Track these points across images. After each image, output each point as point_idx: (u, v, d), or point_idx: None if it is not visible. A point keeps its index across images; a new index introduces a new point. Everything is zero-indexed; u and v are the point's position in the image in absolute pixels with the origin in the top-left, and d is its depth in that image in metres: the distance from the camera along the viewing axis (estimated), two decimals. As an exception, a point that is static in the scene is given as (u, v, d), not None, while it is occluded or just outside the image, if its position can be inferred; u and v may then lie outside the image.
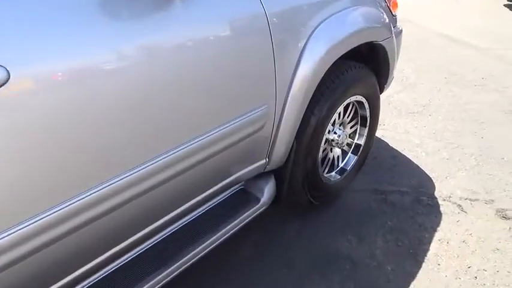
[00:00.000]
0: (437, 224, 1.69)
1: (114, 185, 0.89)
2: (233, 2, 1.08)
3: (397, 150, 2.21)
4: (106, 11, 0.83)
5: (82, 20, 0.80)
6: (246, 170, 1.33)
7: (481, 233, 1.63)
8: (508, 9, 5.45)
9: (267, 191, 1.38)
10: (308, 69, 1.31)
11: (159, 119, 0.95)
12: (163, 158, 0.98)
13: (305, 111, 1.38)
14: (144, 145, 0.95)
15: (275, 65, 1.22)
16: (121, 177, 0.90)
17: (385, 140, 2.31)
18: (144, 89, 0.90)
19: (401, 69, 3.31)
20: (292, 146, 1.42)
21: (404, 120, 2.55)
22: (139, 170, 0.94)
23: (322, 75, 1.39)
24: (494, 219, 1.71)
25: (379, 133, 2.28)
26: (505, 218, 1.71)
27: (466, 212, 1.75)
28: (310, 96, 1.38)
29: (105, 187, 0.87)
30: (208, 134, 1.08)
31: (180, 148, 1.02)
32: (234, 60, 1.09)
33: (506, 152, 2.18)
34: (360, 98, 1.67)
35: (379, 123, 1.94)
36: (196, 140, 1.05)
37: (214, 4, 1.03)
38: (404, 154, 2.18)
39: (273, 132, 1.32)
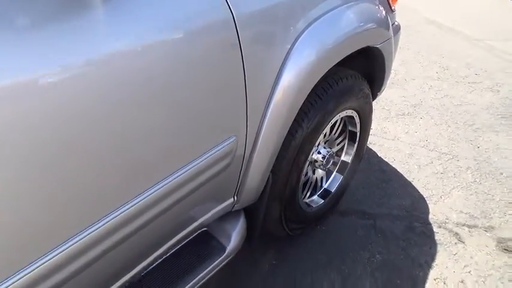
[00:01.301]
0: (432, 258, 1.48)
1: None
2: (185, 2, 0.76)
3: (386, 162, 1.97)
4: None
5: None
6: (210, 214, 1.04)
7: (481, 271, 1.43)
8: (498, -5, 5.22)
9: (235, 237, 1.10)
10: (293, 82, 1.02)
11: (93, 182, 0.68)
12: (103, 224, 0.72)
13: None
14: (82, 213, 0.68)
15: (245, 80, 0.91)
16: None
17: (373, 149, 2.06)
18: (78, 133, 0.64)
19: (391, 61, 3.03)
20: (268, 179, 1.14)
21: (394, 123, 2.31)
22: (79, 241, 0.69)
23: (311, 88, 1.10)
24: (495, 252, 1.51)
25: (367, 140, 2.03)
26: (507, 250, 1.51)
27: (463, 243, 1.54)
28: (294, 116, 1.10)
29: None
30: (153, 189, 0.78)
31: (121, 210, 0.74)
32: (182, 82, 0.78)
33: (505, 166, 1.98)
34: (350, 112, 1.39)
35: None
36: (141, 197, 0.77)
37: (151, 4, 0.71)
38: (395, 167, 1.94)
39: (243, 167, 1.03)
